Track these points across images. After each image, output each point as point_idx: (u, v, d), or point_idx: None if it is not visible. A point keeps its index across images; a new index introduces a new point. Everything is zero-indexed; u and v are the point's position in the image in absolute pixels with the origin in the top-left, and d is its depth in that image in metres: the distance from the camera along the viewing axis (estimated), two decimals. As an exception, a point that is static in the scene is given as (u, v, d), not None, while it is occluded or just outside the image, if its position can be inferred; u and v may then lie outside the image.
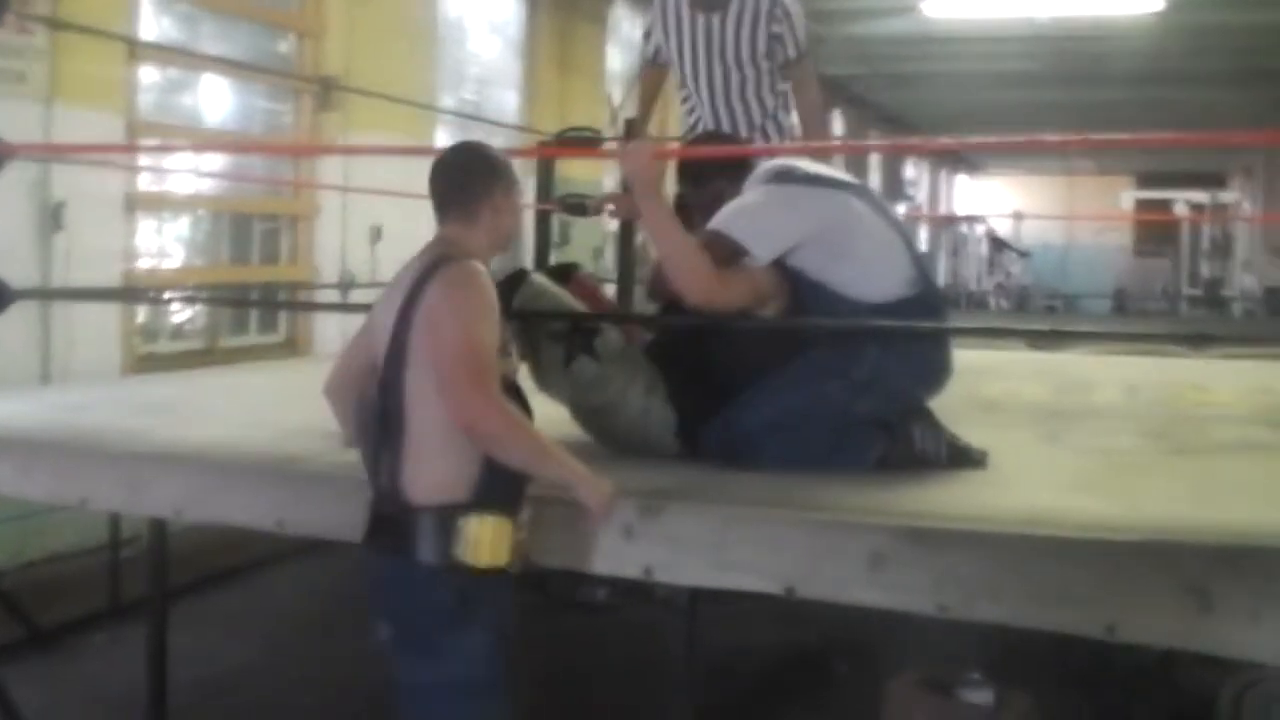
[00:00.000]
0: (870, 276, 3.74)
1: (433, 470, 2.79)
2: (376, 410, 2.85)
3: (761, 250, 3.67)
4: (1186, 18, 15.10)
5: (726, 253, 3.65)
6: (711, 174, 3.96)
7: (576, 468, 2.93)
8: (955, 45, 17.45)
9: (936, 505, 3.29)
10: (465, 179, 3.04)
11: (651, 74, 5.44)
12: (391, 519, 2.82)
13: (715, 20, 4.97)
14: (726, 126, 5.00)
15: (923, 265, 3.93)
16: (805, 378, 3.73)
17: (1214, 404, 5.60)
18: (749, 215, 3.72)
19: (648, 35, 5.34)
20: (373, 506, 2.91)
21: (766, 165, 3.94)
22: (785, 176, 3.85)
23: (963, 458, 3.74)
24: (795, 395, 3.70)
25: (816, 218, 3.72)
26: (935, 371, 3.88)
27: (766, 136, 5.05)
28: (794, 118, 5.20)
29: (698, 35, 5.01)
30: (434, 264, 2.86)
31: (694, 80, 5.09)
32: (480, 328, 2.79)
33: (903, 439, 3.70)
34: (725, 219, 3.71)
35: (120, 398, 5.38)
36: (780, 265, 3.72)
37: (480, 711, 2.86)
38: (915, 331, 3.80)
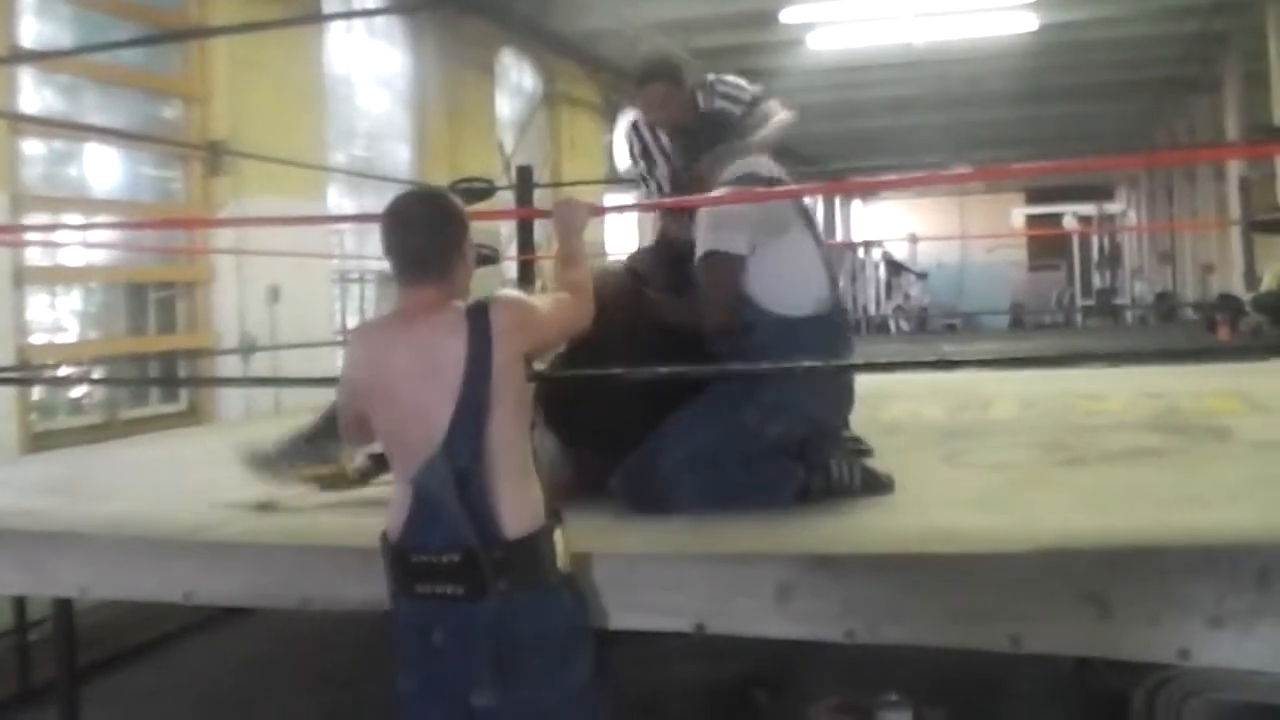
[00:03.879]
0: (785, 291, 3.87)
1: (522, 502, 2.86)
2: (448, 474, 2.81)
3: (741, 248, 3.84)
4: (1060, 36, 15.53)
5: (728, 267, 3.82)
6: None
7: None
8: (839, 75, 17.72)
9: (839, 532, 3.35)
10: (441, 238, 2.98)
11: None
12: (494, 562, 2.80)
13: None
14: None
15: (835, 287, 4.10)
16: (713, 410, 3.79)
17: (1106, 412, 5.71)
18: (720, 227, 3.88)
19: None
20: (461, 562, 2.82)
21: (737, 165, 4.09)
22: (748, 180, 4.00)
23: (875, 485, 3.81)
24: (707, 430, 3.76)
25: (759, 225, 3.88)
26: (838, 392, 3.99)
27: None
28: None
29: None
30: (473, 313, 2.87)
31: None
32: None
33: (819, 471, 3.75)
34: (707, 239, 3.87)
35: (18, 478, 5.29)
36: None
37: (601, 700, 3.00)
38: (817, 361, 3.85)
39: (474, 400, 2.82)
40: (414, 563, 2.87)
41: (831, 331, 3.96)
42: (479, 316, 2.87)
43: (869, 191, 38.50)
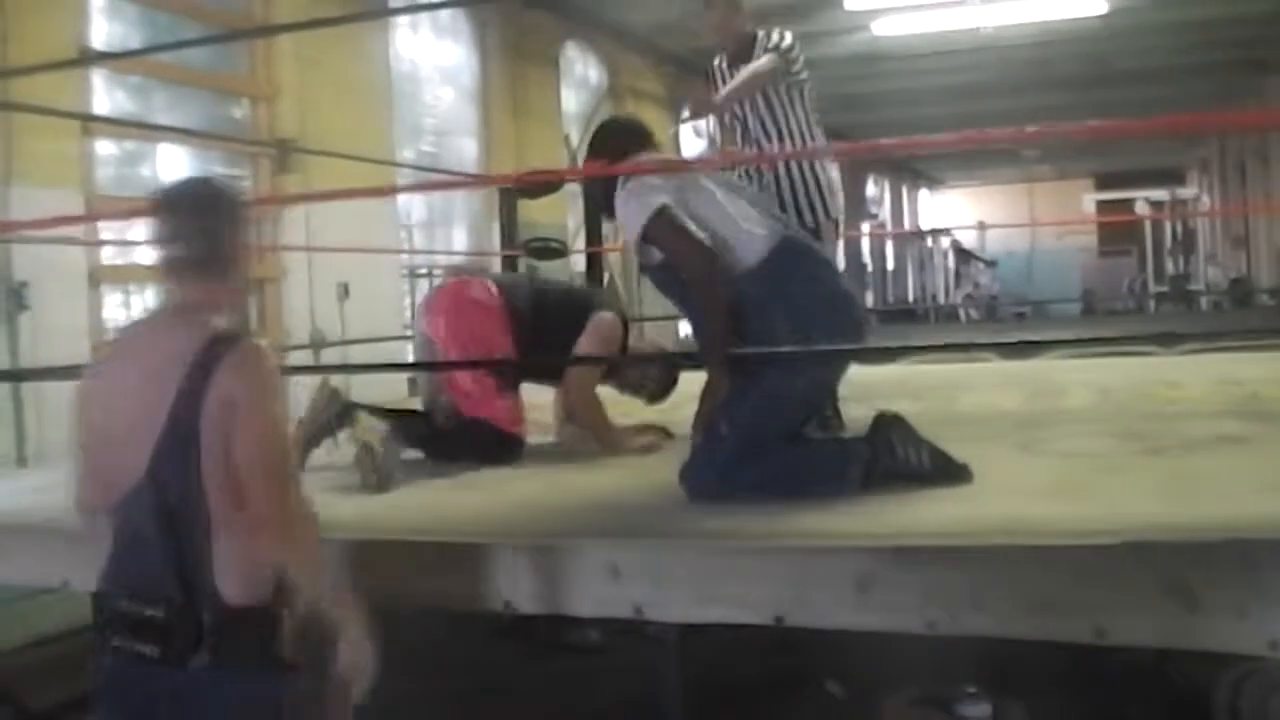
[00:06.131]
0: (735, 243, 3.92)
1: (246, 570, 2.47)
2: (153, 507, 2.46)
3: (666, 199, 3.95)
4: (1130, 19, 15.28)
5: (669, 219, 3.92)
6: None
7: (347, 617, 2.58)
8: (905, 61, 17.57)
9: (918, 522, 3.30)
10: (212, 226, 2.63)
11: None
12: (200, 626, 2.44)
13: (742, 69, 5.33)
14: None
15: (785, 227, 4.11)
16: (741, 389, 3.85)
17: (1185, 400, 5.62)
18: (633, 199, 4.02)
19: None
20: (164, 618, 2.46)
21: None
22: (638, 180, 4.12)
23: (947, 465, 3.76)
24: (743, 408, 3.80)
25: (675, 189, 3.98)
26: (836, 307, 3.98)
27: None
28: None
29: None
30: (212, 343, 2.49)
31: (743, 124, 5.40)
32: (283, 428, 2.61)
33: (884, 452, 3.71)
34: (634, 216, 3.99)
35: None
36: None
37: None
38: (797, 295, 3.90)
39: (184, 429, 2.44)
40: (113, 611, 2.51)
41: (794, 259, 3.96)
42: (214, 350, 2.48)
43: (935, 177, 38.17)
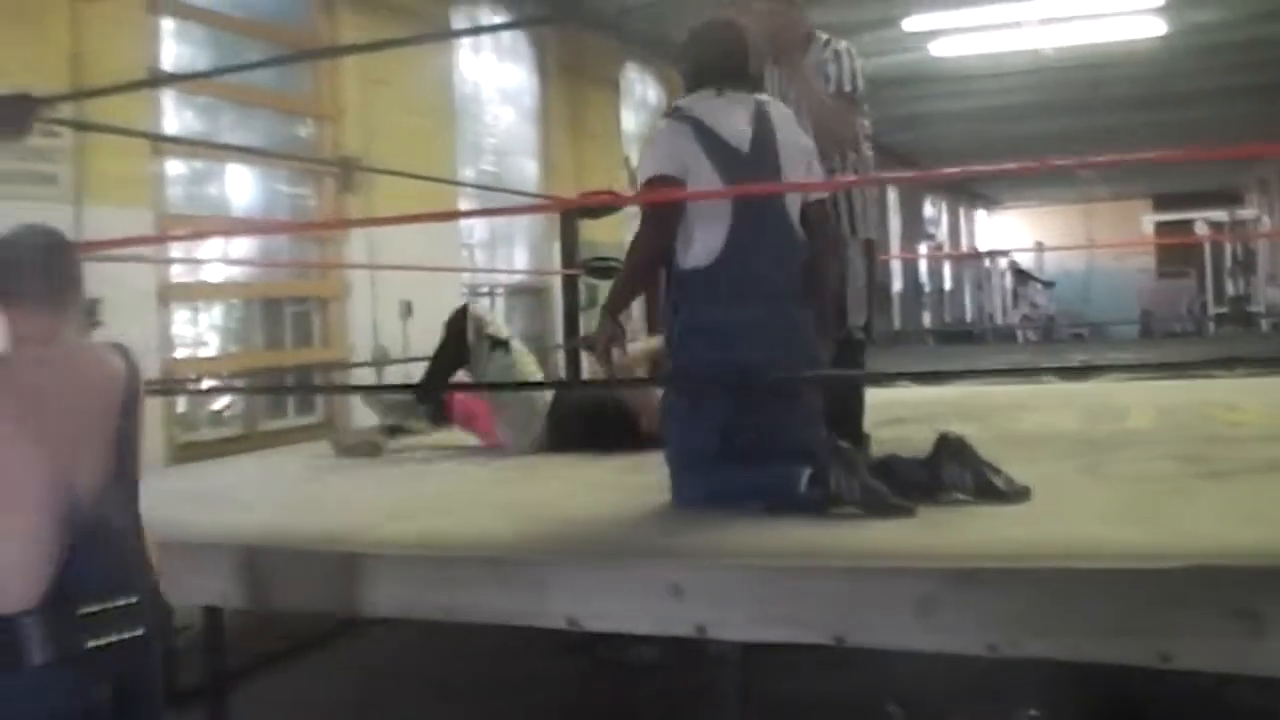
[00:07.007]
0: (685, 241, 4.02)
1: (149, 545, 2.83)
2: (123, 502, 2.74)
3: (675, 171, 4.03)
4: (1188, 40, 15.16)
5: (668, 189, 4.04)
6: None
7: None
8: (962, 82, 17.53)
9: (980, 544, 3.32)
10: (75, 269, 2.90)
11: None
12: (153, 602, 2.75)
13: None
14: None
15: (744, 239, 4.01)
16: (669, 399, 4.15)
17: (1246, 423, 5.59)
18: (656, 158, 4.13)
19: None
20: (139, 600, 2.69)
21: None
22: (674, 113, 4.21)
23: (989, 490, 3.77)
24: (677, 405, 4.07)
25: (669, 163, 4.06)
26: (763, 331, 4.00)
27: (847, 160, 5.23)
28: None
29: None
30: (125, 357, 2.83)
31: None
32: None
33: (948, 478, 3.75)
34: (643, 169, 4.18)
35: (165, 488, 5.40)
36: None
37: None
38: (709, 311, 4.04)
39: (132, 430, 2.78)
40: (84, 615, 2.58)
41: (723, 281, 3.99)
42: (128, 355, 2.85)
43: (992, 198, 37.97)
